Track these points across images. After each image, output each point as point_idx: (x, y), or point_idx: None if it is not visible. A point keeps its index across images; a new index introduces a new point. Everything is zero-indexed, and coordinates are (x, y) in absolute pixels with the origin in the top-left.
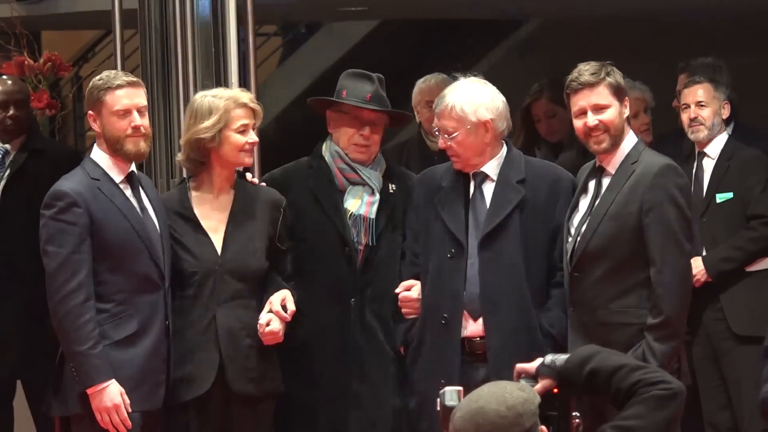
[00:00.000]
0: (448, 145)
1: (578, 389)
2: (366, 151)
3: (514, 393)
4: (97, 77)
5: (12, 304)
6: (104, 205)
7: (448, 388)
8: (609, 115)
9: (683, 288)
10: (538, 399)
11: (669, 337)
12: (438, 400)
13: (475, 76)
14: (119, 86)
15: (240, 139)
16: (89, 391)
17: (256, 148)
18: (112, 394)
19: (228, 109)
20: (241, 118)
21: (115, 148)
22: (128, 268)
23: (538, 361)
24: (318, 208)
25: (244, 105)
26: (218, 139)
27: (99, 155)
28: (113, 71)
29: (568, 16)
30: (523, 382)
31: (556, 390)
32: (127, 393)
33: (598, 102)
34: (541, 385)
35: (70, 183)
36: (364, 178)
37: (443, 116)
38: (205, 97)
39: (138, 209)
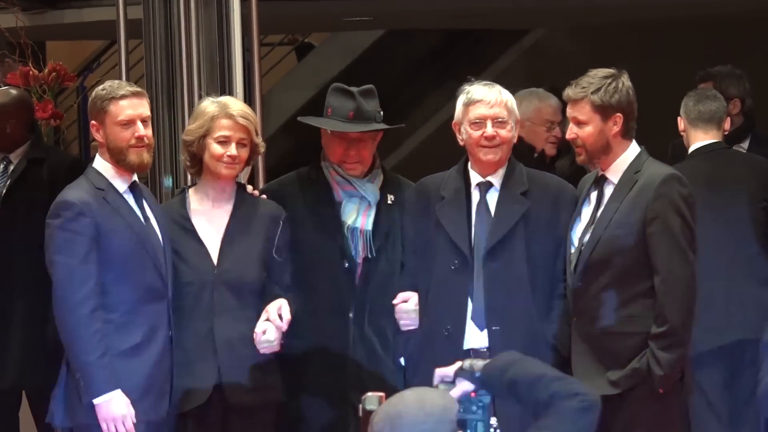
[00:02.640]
0: (493, 134)
1: (497, 395)
2: (356, 167)
3: (434, 400)
4: (100, 87)
5: (13, 312)
6: (110, 216)
7: (369, 394)
8: (585, 132)
9: (688, 297)
10: (456, 407)
11: (674, 346)
12: (360, 405)
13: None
14: (123, 96)
15: (217, 149)
16: (96, 401)
17: (260, 159)
18: (118, 404)
19: (214, 116)
20: (223, 128)
21: (118, 159)
22: (133, 279)
23: (457, 364)
24: (316, 220)
25: (231, 116)
26: (197, 145)
27: (102, 165)
28: (116, 81)
29: (573, 24)
30: (441, 386)
31: (473, 394)
32: (132, 403)
33: (578, 117)
34: (458, 388)
35: (76, 192)
36: (360, 190)
37: (496, 104)
38: (205, 101)
39: (142, 219)
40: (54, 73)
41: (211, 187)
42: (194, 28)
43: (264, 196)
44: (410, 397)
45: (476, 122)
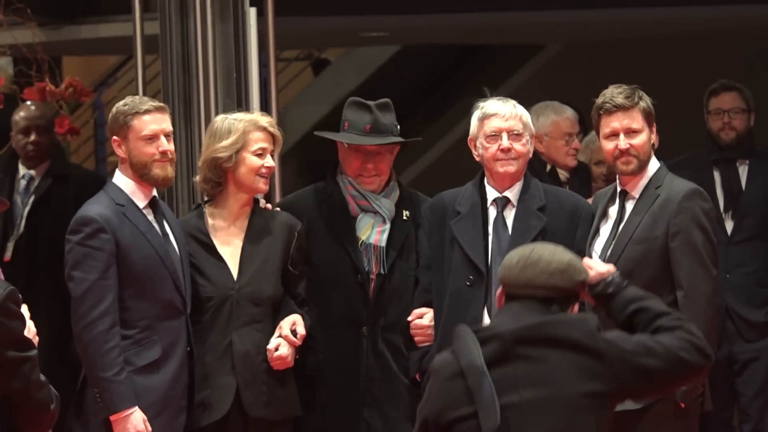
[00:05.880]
0: (509, 146)
1: (612, 318)
2: (374, 180)
3: (567, 252)
4: (122, 102)
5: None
6: (130, 231)
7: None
8: (640, 140)
9: (710, 311)
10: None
11: None
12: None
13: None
14: (146, 111)
15: (256, 161)
16: (112, 417)
17: (276, 173)
18: (135, 421)
19: (247, 130)
20: (259, 140)
21: (142, 173)
22: (152, 295)
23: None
24: (331, 234)
25: (263, 128)
26: (235, 159)
27: (122, 180)
28: (137, 96)
29: (588, 40)
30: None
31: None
32: (149, 419)
33: (631, 126)
34: (597, 272)
35: (96, 208)
36: (375, 206)
37: (511, 117)
38: (225, 119)
39: (161, 235)
40: (71, 89)
41: (230, 202)
42: (211, 43)
43: (278, 209)
44: (542, 245)
45: (492, 135)
